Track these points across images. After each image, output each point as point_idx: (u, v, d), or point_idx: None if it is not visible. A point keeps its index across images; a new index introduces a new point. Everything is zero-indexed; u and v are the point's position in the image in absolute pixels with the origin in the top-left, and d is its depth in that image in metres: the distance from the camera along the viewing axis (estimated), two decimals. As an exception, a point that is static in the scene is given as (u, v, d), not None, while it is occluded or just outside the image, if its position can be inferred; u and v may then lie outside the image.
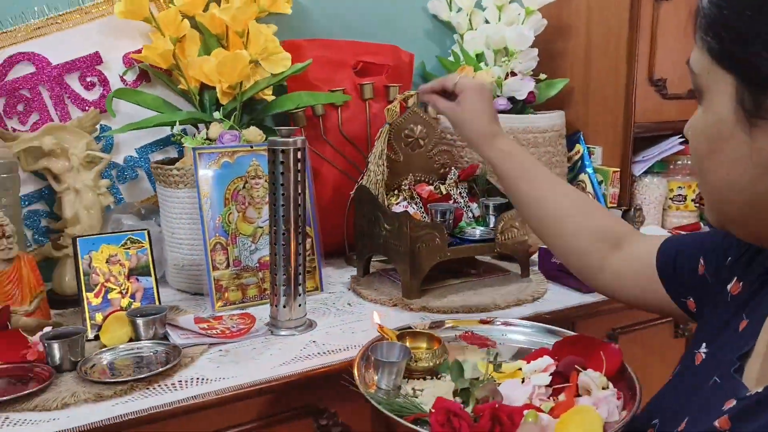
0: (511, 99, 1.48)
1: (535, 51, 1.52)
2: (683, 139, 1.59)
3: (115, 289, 1.00)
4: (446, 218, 1.20)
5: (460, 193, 1.30)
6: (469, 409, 0.70)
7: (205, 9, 1.26)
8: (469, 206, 1.29)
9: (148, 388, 0.81)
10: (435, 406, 0.67)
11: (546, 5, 1.50)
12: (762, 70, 0.46)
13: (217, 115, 1.19)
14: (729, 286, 0.63)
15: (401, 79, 1.45)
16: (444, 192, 1.29)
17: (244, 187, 1.13)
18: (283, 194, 0.97)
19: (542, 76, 1.54)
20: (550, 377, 0.74)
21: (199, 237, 1.14)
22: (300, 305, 1.01)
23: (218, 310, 1.09)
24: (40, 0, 1.20)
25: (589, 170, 1.55)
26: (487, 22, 1.55)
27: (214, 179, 1.11)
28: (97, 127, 1.23)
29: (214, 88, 1.25)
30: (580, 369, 0.74)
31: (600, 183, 1.53)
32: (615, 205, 1.53)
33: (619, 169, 1.53)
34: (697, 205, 1.66)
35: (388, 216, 1.15)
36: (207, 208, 1.10)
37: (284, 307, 1.00)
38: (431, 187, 1.29)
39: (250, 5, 1.20)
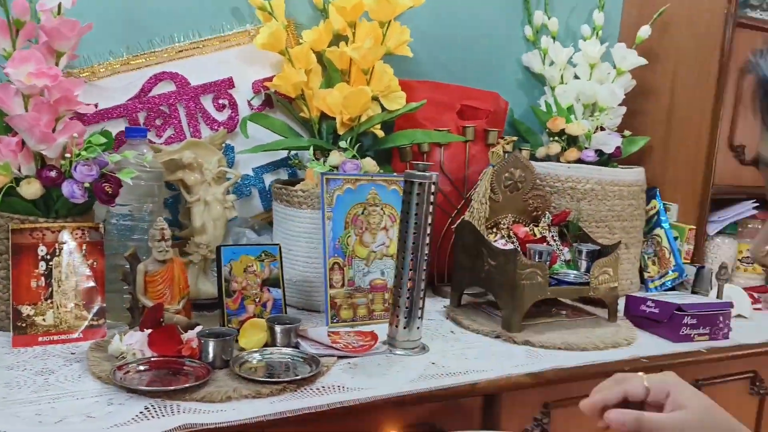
0: (598, 152, 1.56)
1: (624, 109, 1.61)
2: (757, 204, 1.67)
3: (250, 297, 1.07)
4: (544, 259, 1.27)
5: (552, 236, 1.38)
6: None
7: (330, 45, 1.37)
8: (561, 250, 1.36)
9: (296, 391, 0.88)
10: None
11: (635, 67, 1.60)
12: None
13: (342, 144, 1.28)
14: None
15: (497, 125, 1.54)
16: (538, 234, 1.37)
17: (362, 213, 1.21)
18: (415, 223, 1.05)
19: (626, 132, 1.62)
20: None
21: (315, 255, 1.22)
22: (418, 327, 1.08)
23: (332, 326, 1.16)
24: (186, 25, 1.31)
25: (665, 225, 1.61)
26: (576, 77, 1.64)
27: (337, 203, 1.19)
28: (223, 145, 1.33)
29: (332, 118, 1.34)
30: None
31: (675, 239, 1.60)
32: (689, 262, 1.59)
33: (695, 227, 1.60)
34: (765, 268, 1.72)
35: (494, 252, 1.22)
36: (329, 230, 1.18)
37: (404, 328, 1.07)
38: (527, 229, 1.37)
39: (379, 47, 1.30)
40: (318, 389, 0.90)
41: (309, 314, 1.24)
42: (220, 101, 1.34)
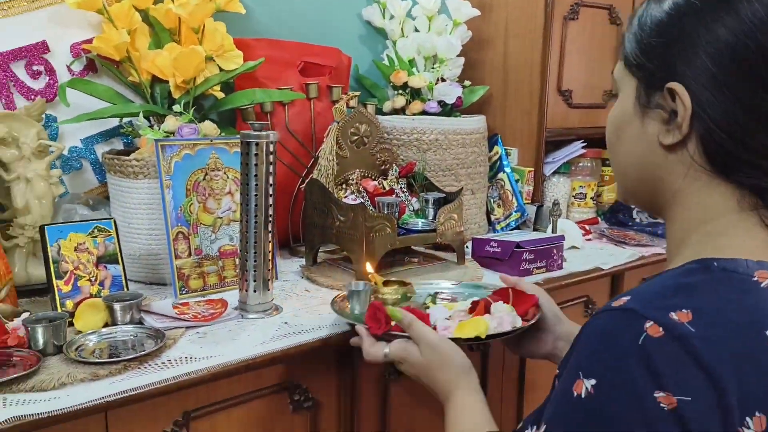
0: (441, 102, 1.61)
1: (462, 59, 1.66)
2: (585, 144, 1.80)
3: (84, 276, 1.00)
4: (392, 210, 1.30)
5: (401, 188, 1.41)
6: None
7: (156, 2, 1.28)
8: (409, 200, 1.40)
9: (139, 368, 0.85)
10: (369, 306, 0.93)
11: (470, 18, 1.65)
12: (653, 75, 0.63)
13: (176, 108, 1.22)
14: None
15: (341, 80, 1.54)
16: (387, 187, 1.39)
17: (204, 178, 1.17)
18: (256, 185, 1.03)
19: (466, 82, 1.68)
20: (470, 305, 0.97)
21: (158, 227, 1.17)
22: (268, 290, 1.07)
23: (181, 297, 1.12)
24: (-17, -16, 1.17)
25: (507, 170, 1.71)
26: (417, 30, 1.67)
27: (176, 171, 1.14)
28: (42, 116, 1.21)
29: (165, 81, 1.27)
30: (491, 301, 0.95)
31: (517, 181, 1.70)
32: (529, 202, 1.70)
33: (533, 169, 1.70)
34: (595, 202, 1.89)
35: (342, 208, 1.23)
36: (169, 199, 1.13)
37: (254, 291, 1.05)
38: (375, 182, 1.39)
39: (207, 3, 1.24)
40: (163, 363, 0.87)
41: (158, 288, 1.19)
42: (35, 68, 1.22)
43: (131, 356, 0.85)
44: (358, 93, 1.44)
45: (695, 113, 0.59)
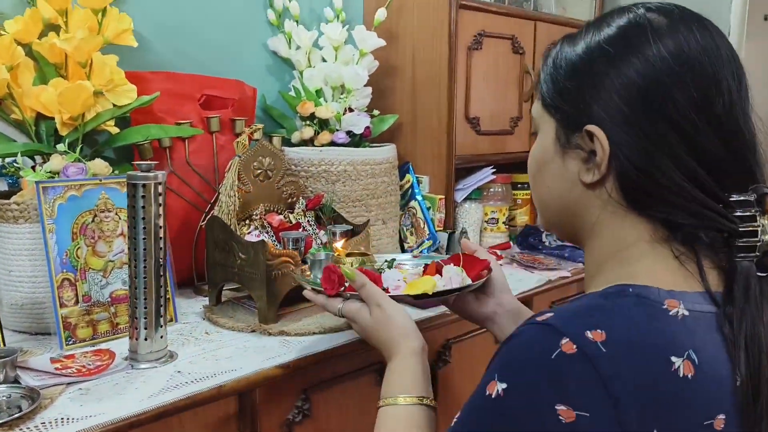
0: (349, 133, 1.60)
1: (369, 89, 1.66)
2: (495, 170, 1.84)
3: (-48, 333, 0.93)
4: (298, 246, 1.27)
5: (308, 221, 1.39)
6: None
7: (40, 37, 1.22)
8: (317, 233, 1.37)
9: (8, 434, 0.78)
10: (325, 268, 0.96)
11: (376, 48, 1.66)
12: (571, 117, 0.66)
13: (60, 147, 1.15)
14: None
15: (245, 113, 1.51)
16: (293, 221, 1.37)
17: (93, 220, 1.11)
18: (144, 228, 0.98)
19: (375, 112, 1.68)
20: (423, 268, 1.04)
21: (41, 273, 1.10)
22: (161, 336, 1.02)
23: (67, 348, 1.06)
24: None
25: (419, 198, 1.72)
26: (324, 60, 1.66)
27: (60, 213, 1.08)
28: None
29: (51, 118, 1.20)
30: (442, 264, 1.00)
31: (428, 209, 1.71)
32: (441, 229, 1.71)
33: (444, 197, 1.72)
34: (508, 226, 1.92)
35: (243, 245, 1.20)
36: (52, 244, 1.06)
37: (145, 339, 1.00)
38: (281, 216, 1.36)
39: (95, 37, 1.19)
40: (37, 427, 0.80)
41: (44, 338, 1.11)
42: None
43: (1, 421, 0.78)
44: (261, 126, 1.41)
45: (612, 153, 0.62)
